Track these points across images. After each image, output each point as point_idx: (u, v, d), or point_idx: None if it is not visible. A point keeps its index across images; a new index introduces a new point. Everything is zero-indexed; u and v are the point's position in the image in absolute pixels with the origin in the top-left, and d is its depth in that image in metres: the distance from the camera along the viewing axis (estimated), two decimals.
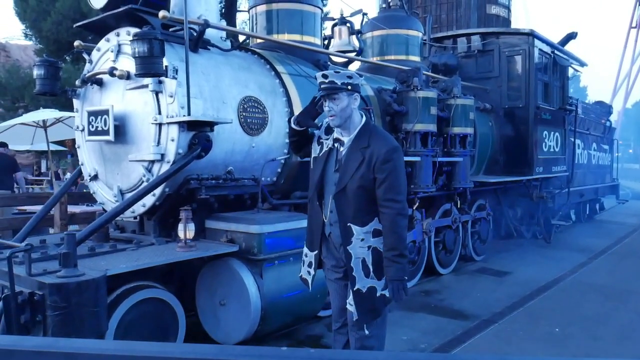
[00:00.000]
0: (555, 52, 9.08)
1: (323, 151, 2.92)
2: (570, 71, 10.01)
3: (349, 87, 2.79)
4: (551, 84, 8.95)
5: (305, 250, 3.08)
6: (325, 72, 2.84)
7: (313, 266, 2.99)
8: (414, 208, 6.13)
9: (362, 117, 2.91)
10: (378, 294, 2.78)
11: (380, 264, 2.76)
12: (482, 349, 4.22)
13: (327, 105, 2.79)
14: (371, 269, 2.77)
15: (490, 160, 8.33)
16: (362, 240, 2.76)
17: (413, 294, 5.85)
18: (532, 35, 8.32)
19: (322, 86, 2.80)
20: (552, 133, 8.95)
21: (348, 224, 2.77)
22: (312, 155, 3.00)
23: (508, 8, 15.77)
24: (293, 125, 2.97)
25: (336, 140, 2.87)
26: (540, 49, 8.50)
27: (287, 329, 4.41)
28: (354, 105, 2.84)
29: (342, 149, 2.84)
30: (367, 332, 2.83)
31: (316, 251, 2.97)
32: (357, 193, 2.74)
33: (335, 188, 2.81)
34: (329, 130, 2.97)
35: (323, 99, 2.81)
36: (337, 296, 3.07)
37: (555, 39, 9.59)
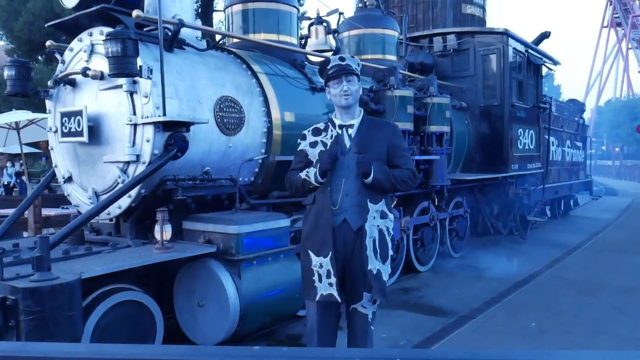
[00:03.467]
0: (529, 51, 9.22)
1: (330, 141, 2.94)
2: (544, 70, 10.17)
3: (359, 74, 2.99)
4: (525, 83, 9.08)
5: (316, 260, 2.85)
6: (341, 55, 3.00)
7: (333, 273, 2.82)
8: (392, 206, 6.16)
9: None
10: (384, 278, 2.90)
11: (384, 247, 2.90)
12: (461, 345, 4.26)
13: (344, 85, 2.90)
14: (379, 251, 2.88)
15: (467, 158, 8.43)
16: (374, 218, 2.88)
17: (392, 292, 5.88)
18: (506, 34, 8.43)
19: (336, 68, 2.92)
20: (527, 131, 9.08)
21: (365, 200, 2.87)
22: (313, 160, 2.95)
23: (483, 8, 15.97)
24: (320, 179, 2.87)
25: (341, 126, 2.97)
26: (514, 48, 8.62)
27: (267, 329, 4.40)
28: (360, 91, 3.05)
29: (350, 131, 2.96)
30: (371, 315, 2.94)
31: (330, 252, 2.82)
32: None
33: (355, 168, 2.86)
34: (317, 131, 3.02)
35: (337, 79, 2.92)
36: (325, 326, 2.94)
37: (529, 38, 9.75)
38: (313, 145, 2.98)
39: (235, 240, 3.88)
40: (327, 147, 2.93)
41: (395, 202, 6.17)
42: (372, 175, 2.82)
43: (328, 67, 2.94)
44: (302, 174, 2.94)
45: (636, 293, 5.78)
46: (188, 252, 3.84)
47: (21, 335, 2.83)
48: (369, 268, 2.83)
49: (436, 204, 7.15)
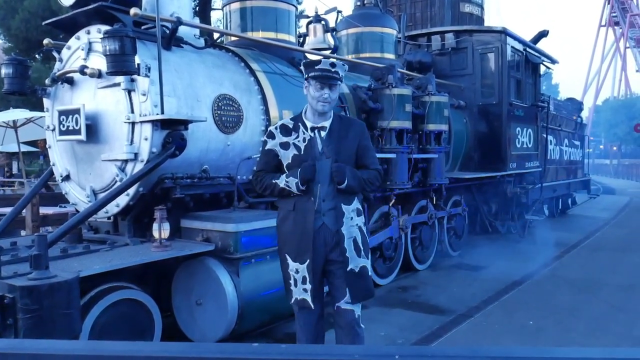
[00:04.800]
0: (527, 49, 9.22)
1: (304, 145, 2.90)
2: (542, 68, 10.17)
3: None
4: (523, 81, 9.08)
5: (293, 266, 2.89)
6: (333, 61, 2.95)
7: (309, 280, 2.85)
8: (390, 205, 6.17)
9: None
10: (370, 273, 2.94)
11: (365, 243, 2.94)
12: (459, 343, 4.27)
13: (325, 92, 2.88)
14: (362, 249, 2.90)
15: (465, 157, 8.43)
16: (351, 219, 2.90)
17: (390, 290, 5.89)
18: (504, 33, 8.43)
19: (324, 72, 2.87)
20: (525, 129, 9.09)
21: (339, 204, 2.88)
22: (285, 162, 2.93)
23: (481, 6, 15.96)
24: (301, 188, 2.84)
25: (313, 129, 2.93)
26: (512, 47, 8.61)
27: (265, 327, 4.40)
28: (337, 98, 3.08)
29: (323, 134, 2.93)
30: (358, 313, 2.94)
31: (308, 260, 2.84)
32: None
33: (328, 173, 2.86)
34: (286, 130, 2.96)
35: (321, 83, 2.88)
36: (306, 330, 2.99)
37: (527, 36, 9.74)
38: (284, 146, 2.92)
39: (234, 238, 3.88)
40: (302, 152, 2.89)
41: (393, 201, 6.18)
42: (345, 182, 2.85)
43: (316, 67, 2.89)
44: (281, 183, 2.88)
45: (634, 291, 5.78)
46: (186, 250, 3.84)
47: (19, 334, 2.83)
48: (351, 267, 2.86)
49: (434, 202, 7.15)
